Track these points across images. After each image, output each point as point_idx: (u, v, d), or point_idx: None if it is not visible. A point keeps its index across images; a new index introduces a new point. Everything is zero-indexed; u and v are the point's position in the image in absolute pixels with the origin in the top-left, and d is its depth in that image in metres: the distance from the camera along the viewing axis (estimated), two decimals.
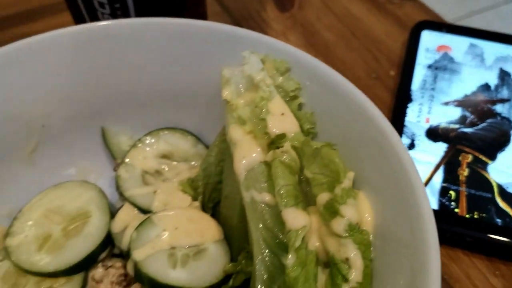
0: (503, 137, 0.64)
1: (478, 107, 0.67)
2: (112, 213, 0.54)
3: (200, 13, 0.68)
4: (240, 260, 0.48)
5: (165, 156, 0.59)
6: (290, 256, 0.41)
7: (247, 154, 0.47)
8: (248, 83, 0.49)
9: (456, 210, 0.58)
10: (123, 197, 0.55)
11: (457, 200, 0.58)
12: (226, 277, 0.49)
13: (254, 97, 0.48)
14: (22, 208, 0.54)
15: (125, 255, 0.51)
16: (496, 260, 0.57)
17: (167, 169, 0.58)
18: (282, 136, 0.46)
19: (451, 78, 0.71)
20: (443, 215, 0.57)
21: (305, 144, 0.45)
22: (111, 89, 0.57)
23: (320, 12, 0.88)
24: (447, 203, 0.58)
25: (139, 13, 0.60)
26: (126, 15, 0.60)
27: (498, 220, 0.56)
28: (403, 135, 0.64)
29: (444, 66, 0.72)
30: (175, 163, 0.58)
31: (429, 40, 0.76)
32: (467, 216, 0.57)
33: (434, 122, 0.66)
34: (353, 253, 0.40)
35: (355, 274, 0.40)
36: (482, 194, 0.59)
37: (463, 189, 0.59)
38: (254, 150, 0.47)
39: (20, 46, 0.52)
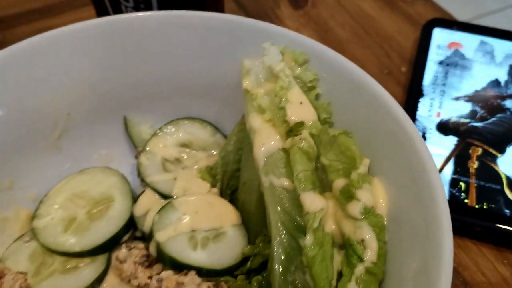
0: None
1: (488, 102, 0.69)
2: (134, 198, 0.56)
3: (218, 10, 0.71)
4: (257, 243, 0.50)
5: (185, 145, 0.61)
6: (308, 236, 0.42)
7: (267, 141, 0.49)
8: (268, 73, 0.51)
9: (466, 200, 0.59)
10: (144, 183, 0.57)
11: (467, 191, 0.60)
12: (244, 259, 0.51)
13: (273, 87, 0.50)
14: (48, 193, 0.57)
15: (147, 238, 0.53)
16: (504, 250, 0.58)
17: (186, 157, 0.60)
18: (300, 124, 0.48)
19: (461, 74, 0.72)
20: (453, 205, 0.58)
21: (323, 132, 0.47)
22: (134, 80, 0.60)
23: (333, 10, 0.90)
24: (457, 194, 0.60)
25: (161, 8, 0.62)
26: (148, 8, 0.62)
27: (507, 211, 0.58)
28: None
29: (455, 62, 0.74)
30: (194, 151, 0.61)
31: (440, 37, 0.77)
32: (476, 206, 0.59)
33: (445, 116, 0.68)
34: (368, 235, 0.42)
35: (370, 255, 0.42)
36: (491, 185, 0.60)
37: (472, 180, 0.61)
38: (273, 137, 0.49)
39: (47, 38, 0.54)
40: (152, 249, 0.50)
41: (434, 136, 0.66)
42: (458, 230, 0.59)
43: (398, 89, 0.75)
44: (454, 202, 0.59)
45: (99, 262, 0.52)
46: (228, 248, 0.50)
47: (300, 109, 0.48)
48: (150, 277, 0.50)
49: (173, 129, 0.61)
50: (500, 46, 0.76)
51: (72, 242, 0.52)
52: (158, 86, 0.61)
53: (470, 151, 0.64)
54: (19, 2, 0.94)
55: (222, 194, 0.57)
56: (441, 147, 0.64)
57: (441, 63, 0.74)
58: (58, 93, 0.56)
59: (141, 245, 0.52)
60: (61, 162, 0.59)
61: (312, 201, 0.44)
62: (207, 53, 0.57)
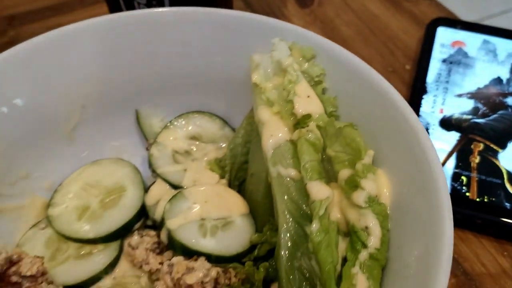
0: None
1: (490, 99, 0.70)
2: (145, 188, 0.58)
3: (227, 8, 0.72)
4: (265, 231, 0.52)
5: (194, 138, 0.63)
6: (314, 223, 0.44)
7: (275, 133, 0.51)
8: (277, 68, 0.53)
9: (467, 194, 0.61)
10: (155, 174, 0.59)
11: (468, 185, 0.62)
12: (252, 247, 0.53)
13: (281, 81, 0.52)
14: (62, 182, 0.59)
15: (158, 226, 0.55)
16: (504, 242, 0.60)
17: (196, 149, 0.62)
18: (307, 117, 0.49)
19: (464, 72, 0.74)
20: (454, 198, 0.60)
21: (329, 124, 0.49)
22: (146, 74, 0.62)
23: (339, 9, 0.92)
24: (459, 187, 0.61)
25: (173, 5, 0.64)
26: (161, 5, 0.64)
27: (507, 204, 0.60)
28: None
29: (458, 60, 0.75)
30: (203, 144, 0.62)
31: (444, 36, 0.79)
32: (477, 199, 0.60)
33: (447, 112, 0.69)
34: (372, 222, 0.44)
35: (374, 241, 0.43)
36: (492, 180, 0.62)
37: (474, 175, 0.62)
38: (281, 129, 0.51)
39: (64, 32, 0.56)
40: (163, 236, 0.52)
41: (437, 131, 0.67)
42: (459, 222, 0.60)
43: (402, 87, 0.77)
44: (456, 195, 0.61)
45: (112, 249, 0.54)
46: (236, 236, 0.52)
47: (307, 102, 0.50)
48: (161, 263, 0.51)
49: (183, 122, 0.63)
50: (503, 45, 0.77)
51: (86, 229, 0.54)
52: (169, 81, 0.63)
53: (472, 146, 0.65)
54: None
55: (230, 185, 0.59)
56: (443, 142, 0.66)
57: (444, 61, 0.76)
58: (73, 86, 0.58)
59: (152, 232, 0.54)
60: (75, 153, 0.61)
61: (319, 190, 0.46)
62: (217, 48, 0.59)
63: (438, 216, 0.41)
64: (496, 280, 0.57)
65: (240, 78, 0.60)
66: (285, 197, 0.48)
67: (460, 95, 0.71)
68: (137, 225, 0.56)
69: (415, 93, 0.72)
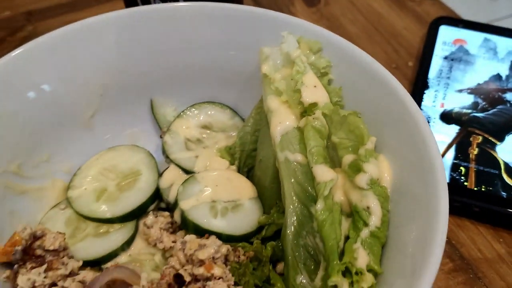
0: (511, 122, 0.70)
1: (490, 95, 0.73)
2: (159, 173, 0.61)
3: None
4: (272, 213, 0.55)
5: (205, 127, 0.66)
6: (318, 203, 0.47)
7: (283, 121, 0.54)
8: (285, 60, 0.56)
9: (466, 183, 0.64)
10: (168, 160, 0.63)
11: (466, 175, 0.64)
12: (260, 229, 0.56)
13: (290, 72, 0.55)
14: (81, 166, 0.62)
15: (171, 208, 0.58)
16: (500, 229, 0.63)
17: (207, 137, 0.65)
18: (314, 105, 0.53)
19: (465, 68, 0.77)
20: (453, 187, 0.63)
21: (334, 112, 0.52)
22: (160, 66, 0.65)
23: (345, 8, 0.95)
24: (457, 177, 0.64)
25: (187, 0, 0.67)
26: (175, 0, 0.67)
27: (504, 193, 0.62)
28: None
29: (459, 57, 0.78)
30: (214, 132, 0.66)
31: (446, 34, 0.82)
32: (475, 189, 0.63)
33: (448, 107, 0.72)
34: (373, 203, 0.47)
35: (374, 220, 0.46)
36: (490, 170, 0.65)
37: (472, 165, 0.65)
38: (289, 117, 0.54)
39: (84, 25, 0.60)
40: (177, 216, 0.55)
41: (437, 124, 0.70)
42: (458, 210, 0.63)
43: (405, 83, 0.80)
44: (455, 185, 0.64)
45: (128, 228, 0.57)
46: (245, 217, 0.55)
47: (314, 92, 0.53)
48: (174, 242, 0.55)
49: (196, 112, 0.66)
50: (503, 43, 0.80)
51: (104, 209, 0.57)
52: (182, 72, 0.66)
53: (471, 138, 0.68)
54: None
55: (239, 172, 0.62)
56: (444, 134, 0.69)
57: (446, 58, 0.78)
58: (92, 76, 0.62)
59: (166, 213, 0.57)
60: (93, 140, 0.64)
61: (323, 172, 0.49)
62: (228, 42, 0.62)
63: (435, 199, 0.44)
64: (492, 265, 0.60)
65: (250, 71, 0.63)
66: (292, 180, 0.51)
67: (460, 91, 0.74)
68: (152, 207, 0.59)
69: (417, 88, 0.74)
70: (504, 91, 0.74)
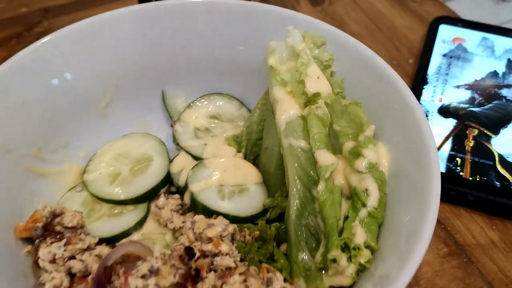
0: (507, 116, 0.73)
1: (486, 91, 0.76)
2: (170, 159, 0.65)
3: None
4: (276, 197, 0.59)
5: (214, 117, 0.70)
6: (320, 185, 0.51)
7: (287, 110, 0.57)
8: (290, 53, 0.60)
9: (461, 173, 0.67)
10: (179, 147, 0.66)
11: (462, 165, 0.67)
12: (264, 211, 0.59)
13: (294, 65, 0.59)
14: (96, 152, 0.66)
15: (181, 191, 0.61)
16: (494, 217, 0.66)
17: (215, 127, 0.69)
18: (317, 95, 0.56)
19: (463, 66, 0.80)
20: (449, 177, 0.66)
21: (336, 102, 0.55)
22: (172, 59, 0.69)
23: (349, 7, 0.98)
24: (453, 167, 0.67)
25: None
26: None
27: (497, 183, 0.65)
28: None
29: (458, 55, 0.81)
30: (222, 122, 0.69)
31: (445, 33, 0.85)
32: (470, 178, 0.66)
33: (446, 101, 0.75)
34: (371, 185, 0.50)
35: (372, 201, 0.50)
36: (484, 161, 0.68)
37: (468, 157, 0.68)
38: (293, 106, 0.57)
39: (101, 19, 0.64)
40: (187, 198, 0.59)
41: (435, 118, 0.73)
42: (453, 199, 0.66)
43: (405, 79, 0.82)
44: (451, 175, 0.67)
45: (140, 209, 0.60)
46: (251, 200, 0.59)
47: (317, 82, 0.57)
48: (183, 222, 0.58)
49: (205, 103, 0.70)
50: (500, 41, 0.83)
51: (118, 192, 0.61)
52: (192, 65, 0.70)
53: (467, 132, 0.71)
54: None
55: (246, 159, 0.66)
56: (441, 127, 0.72)
57: (445, 55, 0.82)
58: (108, 67, 0.66)
59: (176, 196, 0.61)
60: (108, 127, 0.68)
61: (325, 157, 0.52)
62: (237, 36, 0.66)
63: (429, 183, 0.47)
64: (485, 250, 0.63)
65: (256, 65, 0.67)
66: (296, 164, 0.55)
67: (458, 86, 0.77)
68: (163, 190, 0.62)
69: (416, 84, 0.78)
70: (500, 87, 0.77)
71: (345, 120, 0.56)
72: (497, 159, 0.68)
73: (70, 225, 0.54)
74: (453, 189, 0.65)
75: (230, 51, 0.68)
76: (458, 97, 0.76)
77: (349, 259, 0.47)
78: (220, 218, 0.55)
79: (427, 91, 0.77)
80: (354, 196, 0.51)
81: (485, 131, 0.71)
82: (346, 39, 0.59)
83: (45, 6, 1.02)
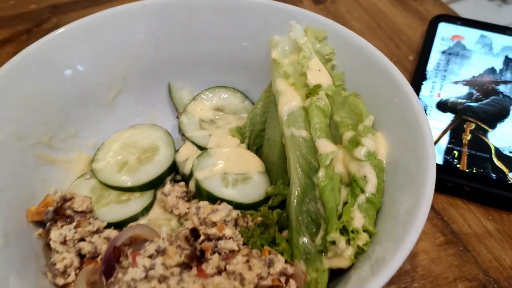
0: (504, 111, 0.75)
1: (484, 86, 0.78)
2: (175, 149, 0.67)
3: None
4: (278, 185, 0.61)
5: (218, 109, 0.72)
6: (320, 171, 0.53)
7: (290, 101, 0.59)
8: (293, 46, 0.62)
9: (458, 165, 0.69)
10: (184, 138, 0.69)
11: (459, 158, 0.69)
12: (266, 199, 0.61)
13: (297, 58, 0.61)
14: (104, 142, 0.68)
15: (186, 179, 0.64)
16: (489, 208, 0.67)
17: (219, 118, 0.71)
18: (318, 86, 0.58)
19: (462, 62, 0.82)
20: (447, 169, 0.68)
21: (336, 93, 0.58)
22: (178, 53, 0.71)
23: (350, 6, 1.00)
24: (450, 160, 0.69)
25: None
26: None
27: (493, 175, 0.67)
28: None
29: (456, 52, 0.83)
30: (226, 114, 0.71)
31: (445, 30, 0.87)
32: (467, 170, 0.68)
33: (444, 96, 0.77)
34: (370, 173, 0.52)
35: (370, 187, 0.52)
36: (481, 154, 0.70)
37: (465, 149, 0.70)
38: (295, 98, 0.60)
39: (108, 14, 0.66)
40: (192, 185, 0.61)
41: (434, 112, 0.75)
42: (450, 190, 0.68)
43: (405, 75, 0.83)
44: (448, 167, 0.69)
45: (147, 196, 0.62)
46: (253, 188, 0.61)
47: (318, 75, 0.59)
48: (188, 208, 0.60)
49: (209, 95, 0.72)
50: (498, 39, 0.85)
51: (125, 179, 0.63)
52: (198, 59, 0.72)
53: (465, 125, 0.73)
54: None
55: (249, 150, 0.68)
56: (439, 121, 0.74)
57: (444, 52, 0.84)
58: (117, 60, 0.68)
59: (182, 183, 0.63)
60: (116, 118, 0.70)
61: (325, 145, 0.55)
62: (241, 32, 0.68)
63: (424, 172, 0.49)
64: (480, 239, 0.65)
65: (259, 60, 0.69)
66: (297, 153, 0.57)
67: (456, 82, 0.79)
68: (169, 178, 0.65)
69: (416, 80, 0.80)
70: (498, 83, 0.79)
71: (345, 111, 0.58)
72: (493, 152, 0.70)
73: (80, 209, 0.57)
74: (450, 181, 0.67)
75: (234, 46, 0.70)
76: (456, 92, 0.78)
77: (348, 242, 0.49)
78: (224, 204, 0.57)
79: (426, 87, 0.79)
80: (353, 183, 0.53)
81: (482, 125, 0.73)
82: (347, 34, 0.61)
83: (54, 3, 1.05)
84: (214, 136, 0.68)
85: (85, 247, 0.53)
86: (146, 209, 0.61)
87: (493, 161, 0.69)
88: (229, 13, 0.68)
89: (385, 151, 0.55)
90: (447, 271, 0.62)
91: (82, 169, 0.66)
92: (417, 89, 0.78)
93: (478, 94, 0.77)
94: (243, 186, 0.61)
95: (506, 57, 0.82)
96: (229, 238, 0.53)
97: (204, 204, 0.57)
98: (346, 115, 0.58)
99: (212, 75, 0.73)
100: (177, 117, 0.71)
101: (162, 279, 0.46)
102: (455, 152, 0.70)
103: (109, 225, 0.59)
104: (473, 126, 0.73)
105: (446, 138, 0.72)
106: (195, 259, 0.48)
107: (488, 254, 0.63)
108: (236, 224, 0.56)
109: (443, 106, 0.76)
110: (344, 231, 0.49)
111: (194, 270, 0.48)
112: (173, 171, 0.65)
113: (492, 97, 0.77)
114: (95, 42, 0.65)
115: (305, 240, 0.53)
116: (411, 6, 0.98)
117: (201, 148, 0.67)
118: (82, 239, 0.54)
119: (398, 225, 0.49)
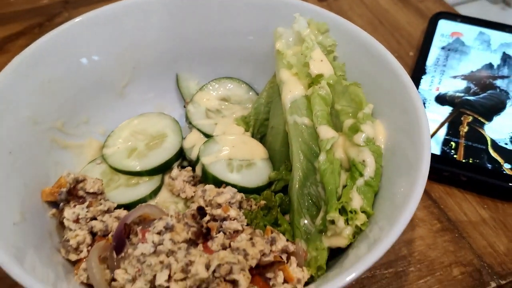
0: (500, 104, 0.77)
1: (481, 81, 0.81)
2: (183, 136, 0.70)
3: None
4: (281, 170, 0.63)
5: (224, 99, 0.75)
6: (321, 155, 0.55)
7: (293, 90, 0.62)
8: (296, 38, 0.65)
9: (455, 156, 0.71)
10: (191, 126, 0.71)
11: (456, 149, 0.72)
12: (269, 184, 0.64)
13: (300, 49, 0.64)
14: (114, 129, 0.71)
15: (193, 165, 0.66)
16: (485, 197, 0.70)
17: (225, 108, 0.74)
18: (320, 76, 0.61)
19: (460, 58, 0.84)
20: (444, 159, 0.71)
21: (337, 82, 0.60)
22: (186, 45, 0.74)
23: (353, 3, 1.03)
24: (448, 150, 0.72)
25: None
26: None
27: (489, 165, 0.70)
28: None
29: (455, 48, 0.86)
30: (231, 104, 0.74)
31: (444, 27, 0.89)
32: (463, 161, 0.70)
33: (443, 90, 0.80)
34: (368, 157, 0.55)
35: (369, 171, 0.54)
36: (477, 145, 0.72)
37: (462, 141, 0.73)
38: (298, 87, 0.62)
39: (130, 3, 0.69)
40: (198, 170, 0.64)
41: (432, 105, 0.78)
42: (447, 179, 0.71)
43: (406, 70, 0.87)
44: (445, 157, 0.71)
45: (155, 180, 0.65)
46: (257, 173, 0.64)
47: (320, 65, 0.62)
48: (195, 192, 0.63)
49: (216, 86, 0.75)
50: (496, 36, 0.87)
51: (134, 164, 0.66)
52: (205, 52, 0.75)
53: (462, 118, 0.76)
54: None
55: (253, 138, 0.70)
56: (437, 114, 0.76)
57: (443, 48, 0.86)
58: (128, 51, 0.71)
59: (189, 168, 0.66)
60: (126, 106, 0.73)
61: (326, 132, 0.57)
62: (248, 25, 0.71)
63: (420, 157, 0.52)
64: (476, 227, 0.67)
65: (264, 52, 0.71)
66: (299, 139, 0.60)
67: (455, 77, 0.82)
68: (176, 164, 0.67)
69: (415, 74, 0.82)
70: (495, 78, 0.81)
71: (345, 99, 0.60)
72: (489, 143, 0.72)
73: (91, 190, 0.59)
74: (447, 170, 0.70)
75: (240, 39, 0.73)
76: (454, 86, 0.80)
77: (346, 221, 0.51)
78: (229, 187, 0.60)
79: (425, 81, 0.81)
80: (352, 167, 0.55)
81: (479, 117, 0.76)
82: (348, 26, 0.64)
83: None
84: (220, 124, 0.71)
85: (97, 225, 0.56)
86: (154, 192, 0.64)
87: (489, 152, 0.71)
88: (236, 9, 0.71)
89: (384, 138, 0.58)
90: (443, 256, 0.64)
91: (93, 155, 0.69)
92: (416, 83, 0.81)
93: (475, 88, 0.80)
94: (247, 171, 0.64)
95: (504, 53, 0.85)
96: (234, 219, 0.55)
97: (210, 187, 0.60)
98: (347, 104, 0.60)
99: (219, 66, 0.75)
100: (184, 107, 0.74)
101: (170, 253, 0.49)
102: (452, 143, 0.73)
103: (119, 207, 0.62)
104: (470, 118, 0.76)
105: (444, 130, 0.74)
106: (201, 236, 0.51)
107: (483, 241, 0.65)
108: (240, 207, 0.59)
109: (441, 99, 0.79)
110: (343, 211, 0.52)
111: (200, 247, 0.51)
112: (180, 157, 0.68)
113: (489, 91, 0.79)
114: (109, 32, 0.68)
115: (306, 221, 0.56)
116: (412, 3, 1.01)
117: (207, 136, 0.69)
118: (94, 218, 0.57)
119: (394, 208, 0.52)
